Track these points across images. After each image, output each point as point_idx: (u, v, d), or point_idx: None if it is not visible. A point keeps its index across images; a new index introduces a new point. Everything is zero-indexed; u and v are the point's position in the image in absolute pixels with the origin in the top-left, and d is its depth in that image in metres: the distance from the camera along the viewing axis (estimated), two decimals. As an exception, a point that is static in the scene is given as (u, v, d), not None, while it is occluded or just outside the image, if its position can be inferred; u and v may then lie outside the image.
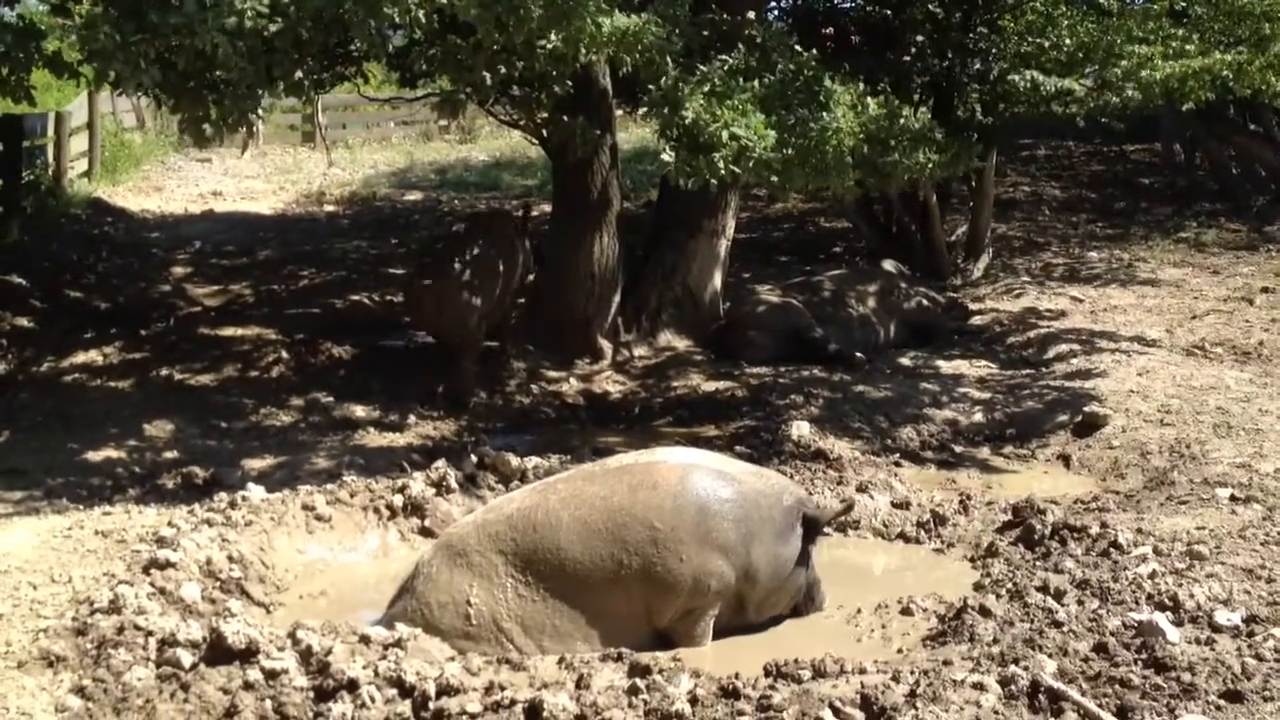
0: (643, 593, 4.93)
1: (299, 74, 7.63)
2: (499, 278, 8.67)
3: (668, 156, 6.72)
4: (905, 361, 9.41)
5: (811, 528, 5.29)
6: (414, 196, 16.40)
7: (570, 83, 7.99)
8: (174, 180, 17.24)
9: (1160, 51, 10.18)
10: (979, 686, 4.22)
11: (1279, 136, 15.74)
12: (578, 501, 5.03)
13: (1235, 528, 5.77)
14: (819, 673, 4.46)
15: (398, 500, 6.34)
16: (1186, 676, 4.26)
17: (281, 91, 7.39)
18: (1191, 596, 4.93)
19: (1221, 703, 4.12)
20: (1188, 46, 10.27)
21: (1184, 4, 10.79)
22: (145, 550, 5.46)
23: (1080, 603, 5.02)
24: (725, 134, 6.54)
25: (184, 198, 15.93)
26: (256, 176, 17.92)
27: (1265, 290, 11.00)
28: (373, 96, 12.60)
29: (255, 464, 7.00)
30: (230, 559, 5.54)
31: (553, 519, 4.98)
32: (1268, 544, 5.61)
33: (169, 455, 7.12)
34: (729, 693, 4.29)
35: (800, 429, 7.58)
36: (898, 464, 7.33)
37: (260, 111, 7.33)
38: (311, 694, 4.33)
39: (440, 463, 6.69)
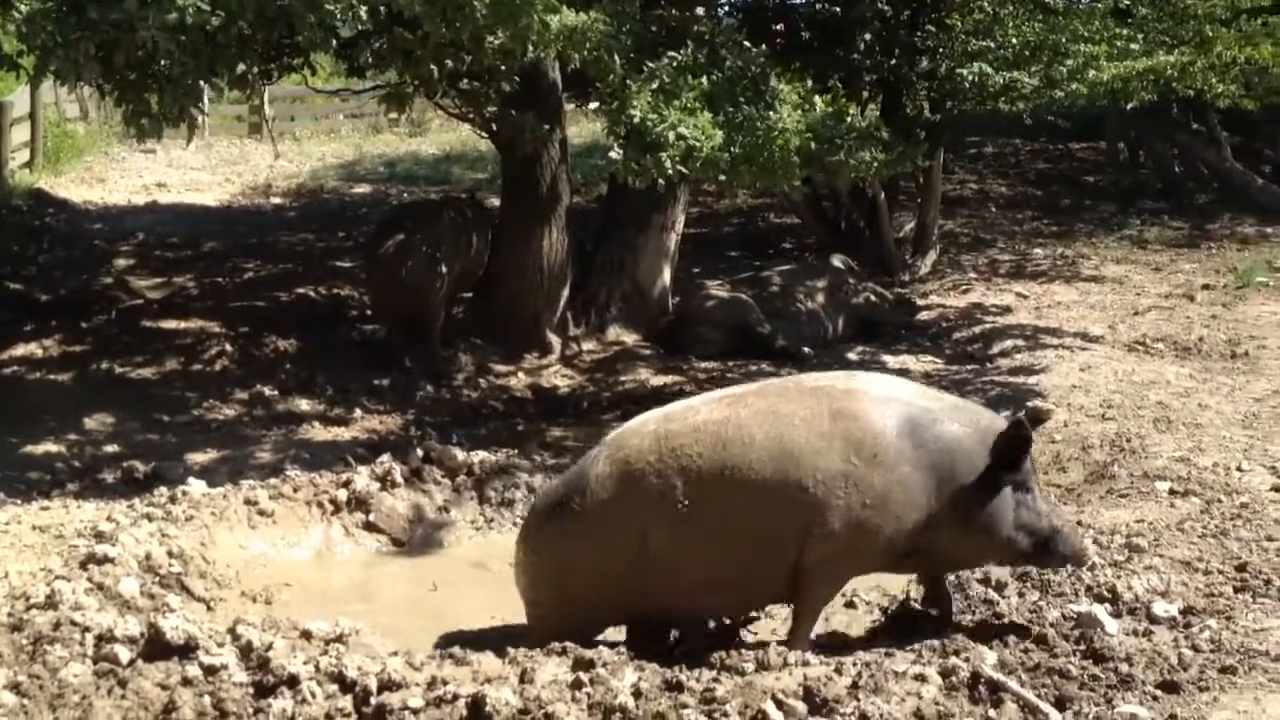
0: (808, 525, 4.54)
1: (242, 67, 7.55)
2: (459, 251, 8.82)
3: (615, 155, 6.73)
4: (852, 356, 9.46)
5: (1013, 463, 4.65)
6: (362, 189, 16.27)
7: (518, 78, 7.96)
8: (117, 171, 17.01)
9: (1105, 51, 10.31)
10: (920, 678, 4.24)
11: (1221, 136, 15.97)
12: (774, 419, 4.61)
13: (1174, 521, 5.85)
14: (763, 665, 4.46)
15: (342, 495, 6.30)
16: (1124, 667, 4.31)
17: (225, 85, 7.33)
18: (1130, 589, 4.99)
19: (1158, 693, 4.17)
20: (1132, 46, 10.41)
21: (1128, 5, 10.93)
22: (83, 545, 5.39)
23: (1021, 594, 5.07)
24: (672, 134, 6.55)
25: (127, 189, 15.72)
26: (202, 168, 17.72)
27: (1206, 287, 11.14)
28: (320, 89, 12.47)
29: (197, 458, 6.94)
30: (170, 554, 5.48)
31: (745, 435, 4.58)
32: (1205, 537, 5.69)
33: (109, 449, 7.04)
34: (672, 685, 4.29)
35: (747, 423, 7.58)
36: (844, 458, 7.35)
37: (204, 104, 7.26)
38: (251, 690, 4.28)
39: (385, 457, 6.66)
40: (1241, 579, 5.16)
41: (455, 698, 4.15)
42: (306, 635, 4.64)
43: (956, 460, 4.62)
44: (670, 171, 6.66)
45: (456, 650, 4.67)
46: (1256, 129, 16.45)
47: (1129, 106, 11.37)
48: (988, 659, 4.37)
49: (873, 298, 10.36)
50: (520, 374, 8.91)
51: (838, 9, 11.70)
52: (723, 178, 7.02)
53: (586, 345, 9.51)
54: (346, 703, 4.20)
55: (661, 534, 4.59)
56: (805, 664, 4.42)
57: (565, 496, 4.77)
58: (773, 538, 4.59)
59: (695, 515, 4.56)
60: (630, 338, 9.74)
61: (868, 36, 11.31)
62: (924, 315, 10.55)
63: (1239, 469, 6.63)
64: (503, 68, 7.54)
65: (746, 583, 4.72)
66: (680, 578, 4.64)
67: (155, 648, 4.46)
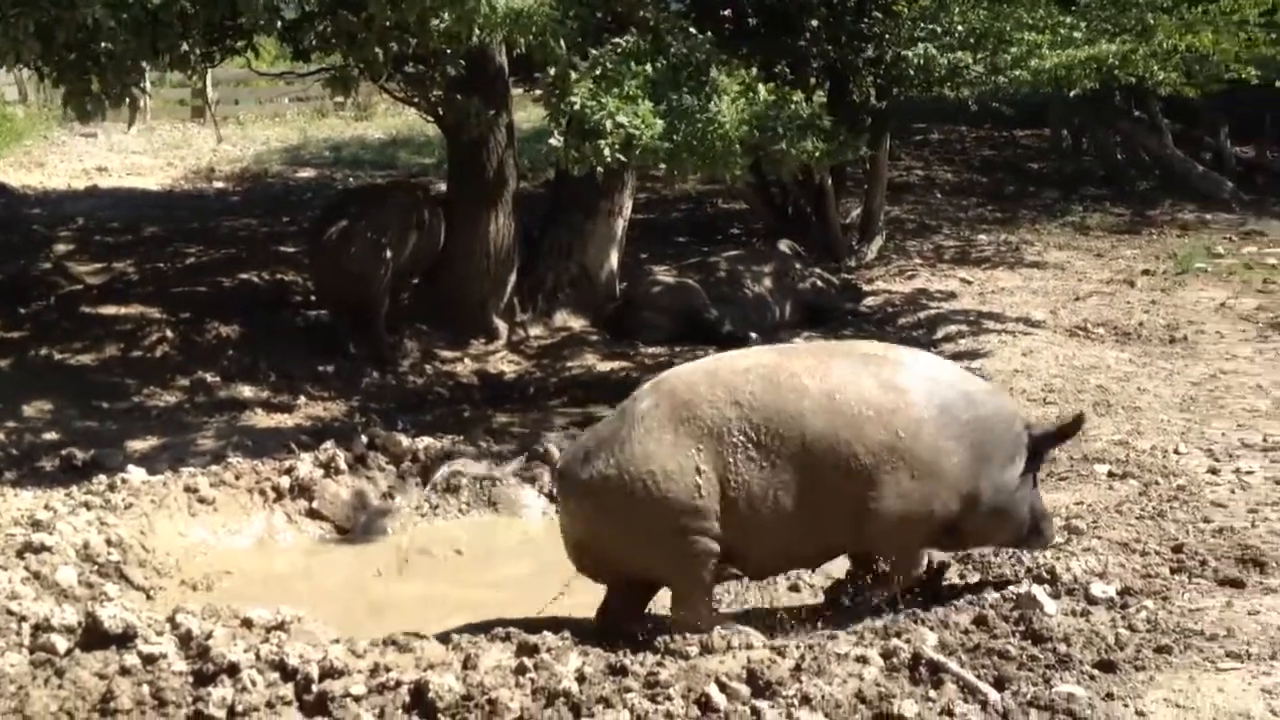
0: (862, 497, 4.58)
1: (184, 47, 7.47)
2: (406, 234, 8.80)
3: (556, 142, 6.71)
4: (799, 342, 9.49)
5: (1039, 450, 4.91)
6: (307, 174, 16.13)
7: (464, 62, 7.91)
8: (57, 155, 16.75)
9: (1048, 40, 10.39)
10: (862, 659, 4.28)
11: (1163, 124, 16.16)
12: (824, 373, 4.62)
13: (1112, 503, 5.92)
14: (706, 649, 4.48)
15: (284, 482, 6.26)
16: (1062, 647, 4.36)
17: (166, 65, 7.24)
18: (1069, 570, 5.05)
19: (1095, 673, 4.22)
20: (1075, 34, 10.49)
21: (1072, -8, 11.00)
22: (20, 534, 5.34)
23: (962, 576, 5.12)
24: (610, 122, 6.54)
25: (67, 173, 15.49)
26: (144, 152, 17.48)
27: (1146, 273, 11.29)
28: (265, 71, 12.34)
29: (137, 445, 6.86)
30: (109, 542, 5.43)
31: (797, 383, 4.57)
32: (1143, 518, 5.77)
33: (48, 437, 6.95)
34: (616, 670, 4.30)
35: (694, 409, 7.60)
36: (790, 443, 7.39)
37: (146, 85, 7.18)
38: (191, 678, 4.25)
39: (329, 444, 6.62)
40: (1178, 560, 5.24)
41: (398, 684, 4.14)
42: (247, 623, 4.60)
43: (992, 442, 4.74)
44: (609, 160, 6.65)
45: (399, 636, 4.65)
46: (1197, 117, 16.64)
47: (1072, 94, 11.44)
48: (928, 640, 4.42)
49: (819, 283, 10.40)
50: (466, 360, 8.88)
51: (785, -5, 11.70)
52: (663, 166, 7.02)
53: (533, 331, 9.49)
54: (288, 691, 4.17)
55: (714, 467, 4.54)
56: (749, 647, 4.45)
57: (614, 433, 4.66)
58: (822, 499, 4.59)
59: (750, 452, 4.54)
60: (577, 323, 9.72)
61: (814, 23, 11.32)
62: (870, 301, 10.61)
63: (1176, 452, 6.74)
64: (448, 51, 7.50)
65: (800, 525, 4.64)
66: (740, 517, 4.57)
67: (93, 637, 4.41)
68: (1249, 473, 6.39)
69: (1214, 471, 6.43)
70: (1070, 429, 4.99)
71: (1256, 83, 12.61)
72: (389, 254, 8.69)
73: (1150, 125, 16.15)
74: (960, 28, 10.49)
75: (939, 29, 10.63)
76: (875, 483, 4.57)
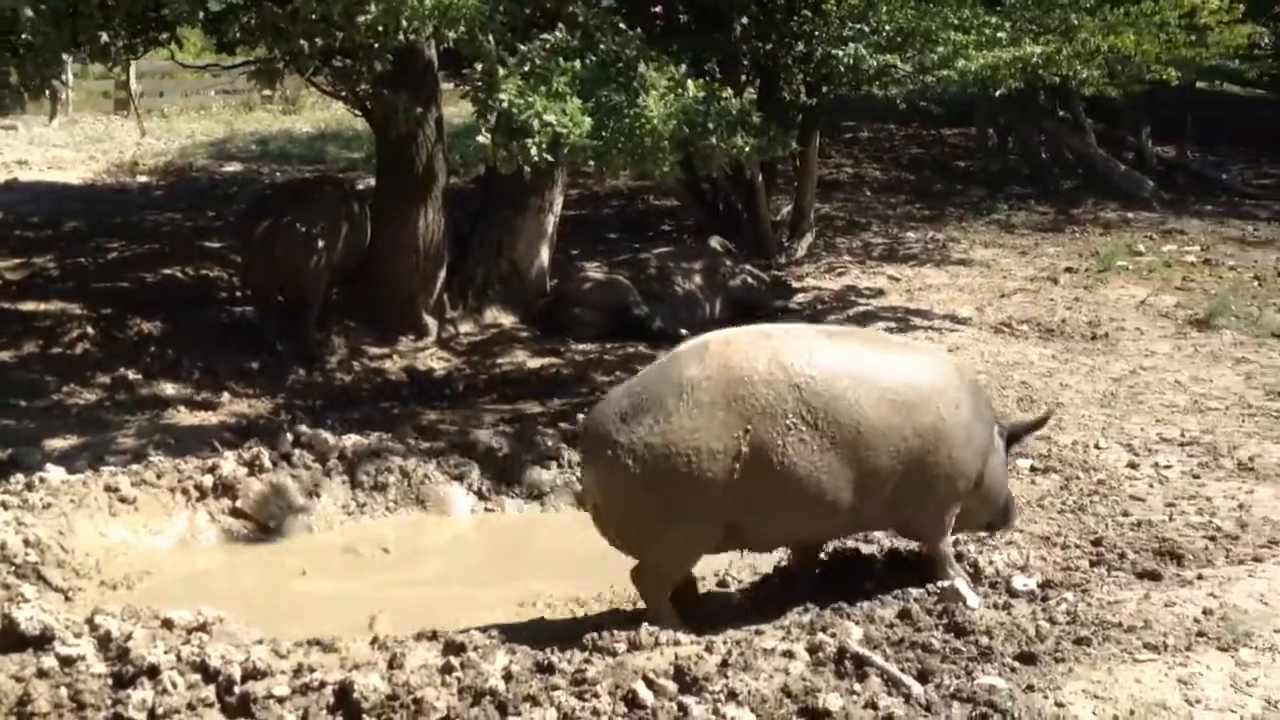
0: (905, 477, 4.69)
1: (105, 38, 7.35)
2: (337, 229, 8.74)
3: (484, 139, 6.66)
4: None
5: (1011, 442, 5.22)
6: (233, 168, 15.91)
7: (392, 56, 7.83)
8: (-25, 148, 16.38)
9: (974, 40, 10.51)
10: (788, 654, 4.30)
11: (1086, 123, 16.43)
12: (873, 361, 4.74)
13: (1034, 497, 6.02)
14: (634, 645, 4.48)
15: (208, 481, 6.17)
16: (984, 640, 4.42)
17: (87, 57, 7.11)
18: (991, 563, 5.13)
19: (1016, 664, 4.28)
20: (1000, 34, 10.62)
21: (997, -6, 11.14)
22: (-67, 535, 5.20)
23: (889, 569, 5.17)
24: (537, 121, 6.51)
25: (-15, 167, 15.15)
26: (65, 145, 17.14)
27: (1069, 270, 11.48)
28: (189, 64, 12.17)
29: (57, 444, 6.73)
30: (26, 543, 5.33)
31: (855, 370, 4.65)
32: (1064, 512, 5.88)
33: (-37, 436, 6.79)
34: (544, 668, 4.29)
35: (623, 405, 7.60)
36: (719, 439, 7.41)
37: (67, 77, 7.06)
38: (110, 681, 4.19)
39: (253, 441, 6.53)
40: (1097, 553, 5.34)
41: (322, 685, 4.11)
42: (168, 624, 4.54)
43: (991, 426, 5.00)
44: (537, 159, 6.62)
45: (324, 636, 4.61)
46: (1119, 116, 16.95)
47: (998, 93, 11.59)
48: (854, 634, 4.45)
49: (750, 280, 10.44)
50: (395, 356, 8.80)
51: (715, -8, 11.73)
52: (593, 163, 7.00)
53: (463, 327, 9.44)
54: (209, 692, 4.12)
55: (761, 447, 4.52)
56: (676, 643, 4.46)
57: (655, 397, 4.57)
58: (867, 481, 4.66)
59: (803, 434, 4.55)
60: (508, 320, 9.68)
61: (745, 20, 11.37)
62: (800, 297, 10.68)
63: (1097, 447, 6.87)
64: (376, 45, 7.42)
65: (836, 514, 4.72)
66: (772, 496, 4.59)
67: (9, 639, 4.35)
68: (1167, 467, 6.53)
69: (1133, 466, 6.56)
70: (1041, 424, 5.51)
71: (1177, 84, 12.86)
72: (320, 248, 8.62)
73: (1074, 125, 16.43)
74: (888, 27, 10.58)
75: (867, 28, 10.72)
76: (921, 464, 4.72)
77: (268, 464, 6.36)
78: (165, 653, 4.26)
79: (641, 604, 5.13)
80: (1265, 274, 11.38)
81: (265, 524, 6.18)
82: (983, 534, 5.39)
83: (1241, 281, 11.11)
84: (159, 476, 6.16)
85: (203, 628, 4.51)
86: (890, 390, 4.66)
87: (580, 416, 7.47)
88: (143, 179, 15.13)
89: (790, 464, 4.53)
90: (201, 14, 7.59)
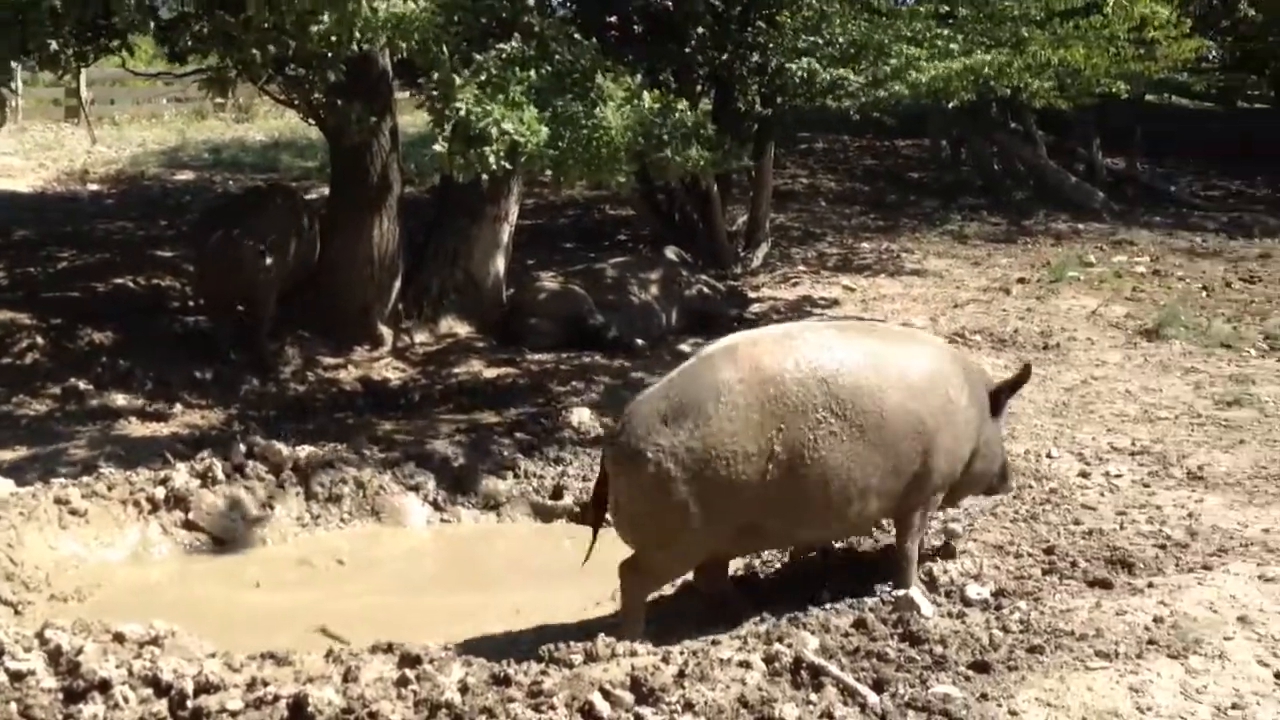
0: (919, 461, 4.84)
1: (55, 46, 7.27)
2: (289, 238, 8.72)
3: (440, 147, 6.65)
4: (685, 348, 9.53)
5: (999, 402, 5.30)
6: (186, 176, 15.77)
7: (346, 65, 7.80)
8: (-78, 155, 16.14)
9: (926, 52, 10.62)
10: (745, 664, 4.31)
11: (1037, 135, 16.62)
12: (886, 351, 4.91)
13: (988, 506, 6.06)
14: (591, 657, 4.48)
15: (160, 493, 6.11)
16: (939, 649, 4.45)
17: (35, 65, 7.03)
18: (945, 572, 5.17)
19: (970, 673, 4.32)
20: (952, 47, 10.74)
21: (948, 7, 11.26)
22: (-122, 549, 5.12)
23: (843, 578, 5.19)
24: (495, 129, 6.51)
25: (-67, 174, 14.95)
26: (14, 153, 16.90)
27: (1021, 281, 11.59)
28: (141, 71, 12.03)
29: (5, 456, 6.66)
30: (-26, 557, 5.24)
31: (872, 358, 4.81)
32: (1017, 521, 5.92)
33: (-91, 448, 6.68)
34: (500, 680, 4.28)
35: (580, 415, 7.61)
36: (675, 449, 7.42)
37: (17, 84, 6.97)
38: (61, 695, 4.14)
39: (206, 453, 6.48)
40: (1049, 562, 5.39)
41: (276, 699, 4.07)
42: (119, 638, 4.49)
43: (984, 398, 5.16)
44: (495, 167, 6.63)
45: (278, 649, 4.58)
46: (1070, 129, 17.16)
47: (950, 105, 11.71)
48: (810, 644, 4.47)
49: (705, 290, 10.48)
50: (350, 367, 8.75)
51: (670, 3, 11.77)
52: (550, 172, 7.01)
53: (418, 337, 9.40)
54: (161, 707, 4.08)
55: (793, 444, 4.62)
56: (633, 654, 4.46)
57: (693, 401, 4.61)
58: (891, 462, 4.80)
59: (832, 426, 4.67)
60: (463, 330, 9.65)
61: (700, 31, 11.42)
62: (755, 308, 10.71)
63: (1049, 455, 6.93)
64: (329, 55, 7.38)
65: (860, 506, 4.83)
66: (802, 492, 4.68)
67: (-44, 655, 4.26)
68: (1118, 476, 6.61)
69: (1084, 475, 6.63)
70: (1021, 379, 5.48)
71: (1126, 97, 13.04)
72: (275, 257, 8.56)
73: (1025, 137, 16.61)
74: (841, 39, 10.66)
75: (820, 40, 10.80)
76: (933, 445, 4.87)
77: (221, 475, 6.30)
78: (117, 667, 4.21)
79: (599, 611, 5.14)
80: (1213, 284, 11.54)
81: (218, 536, 6.13)
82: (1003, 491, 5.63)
83: (1190, 292, 11.26)
84: (110, 488, 6.10)
85: (155, 641, 4.46)
86: (905, 377, 4.84)
87: (541, 421, 7.50)
88: (94, 187, 14.97)
89: (822, 458, 4.66)
90: (153, 22, 7.52)
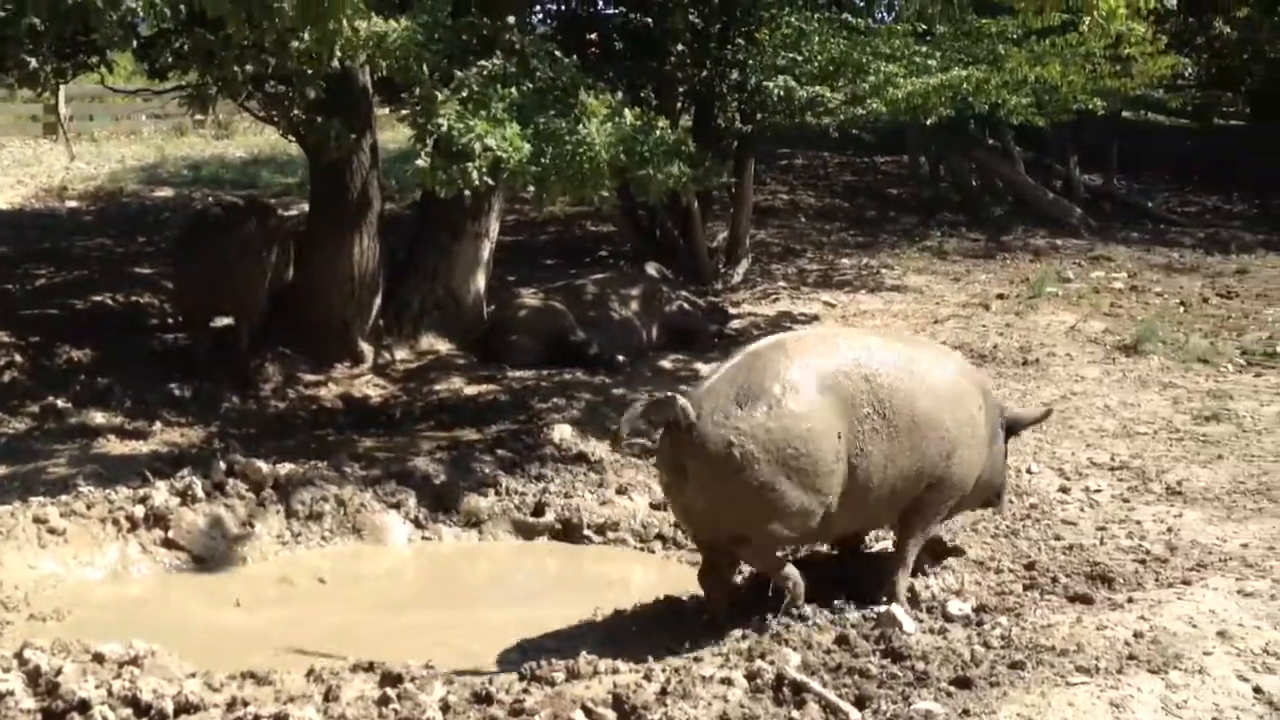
0: (939, 467, 5.03)
1: (34, 63, 7.26)
2: (267, 253, 8.78)
3: (422, 163, 6.65)
4: (666, 364, 9.57)
5: (1010, 432, 5.55)
6: (165, 193, 15.71)
7: (326, 82, 7.80)
8: (-101, 172, 16.05)
9: (904, 69, 10.69)
10: (727, 681, 4.32)
11: (1015, 152, 16.73)
12: (918, 357, 5.14)
13: (968, 522, 6.08)
14: (573, 674, 4.48)
15: (139, 511, 6.07)
16: (921, 665, 4.46)
17: (15, 81, 7.01)
18: (927, 588, 5.19)
19: (952, 689, 4.33)
20: (930, 63, 10.81)
21: (926, 25, 11.35)
22: None
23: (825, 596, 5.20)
24: (479, 145, 6.52)
25: (-90, 191, 14.86)
26: (-8, 169, 16.86)
27: (1000, 297, 11.64)
28: (120, 88, 12.00)
29: (-17, 474, 6.59)
30: (-48, 577, 5.20)
31: (906, 363, 5.03)
32: (997, 537, 5.95)
33: (-114, 466, 6.63)
34: (482, 698, 4.27)
35: (562, 432, 7.61)
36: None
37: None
38: (40, 716, 4.13)
39: (185, 471, 6.45)
40: (1030, 577, 5.42)
41: (256, 718, 4.05)
42: (99, 658, 4.46)
43: (998, 419, 5.39)
44: (478, 182, 6.63)
45: (259, 669, 4.55)
46: (1047, 145, 17.28)
47: (929, 122, 11.78)
48: (791, 661, 4.48)
49: (686, 306, 10.49)
50: (330, 384, 8.72)
51: (650, 21, 11.83)
52: (532, 188, 7.02)
53: (399, 354, 9.38)
54: (141, 728, 4.06)
55: (848, 435, 4.83)
56: (615, 671, 4.46)
57: (759, 386, 4.77)
58: (916, 466, 4.99)
59: (875, 423, 4.88)
60: (444, 346, 9.63)
61: (679, 48, 11.47)
62: (736, 324, 10.73)
63: (1029, 471, 6.96)
64: (309, 72, 7.38)
65: (887, 503, 5.04)
66: (854, 483, 4.87)
67: (-67, 677, 4.23)
68: (1097, 491, 6.65)
69: (1064, 490, 6.66)
70: (1043, 418, 6.00)
71: (1103, 113, 13.15)
72: (251, 273, 8.57)
73: (1003, 153, 16.71)
74: (820, 57, 10.73)
75: (799, 57, 10.86)
76: (953, 453, 5.06)
77: (200, 494, 6.27)
78: (96, 687, 4.19)
79: (582, 629, 5.14)
80: (1190, 300, 11.62)
81: (198, 555, 6.09)
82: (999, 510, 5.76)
83: (1168, 307, 11.33)
84: (89, 507, 6.06)
85: (134, 661, 4.43)
86: (935, 385, 5.06)
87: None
88: (72, 204, 14.90)
89: (866, 452, 4.86)
90: (133, 39, 7.51)
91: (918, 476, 5.00)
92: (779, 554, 5.07)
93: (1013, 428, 5.55)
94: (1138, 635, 4.67)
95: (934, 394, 5.02)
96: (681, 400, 4.78)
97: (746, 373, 4.84)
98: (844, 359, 4.91)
